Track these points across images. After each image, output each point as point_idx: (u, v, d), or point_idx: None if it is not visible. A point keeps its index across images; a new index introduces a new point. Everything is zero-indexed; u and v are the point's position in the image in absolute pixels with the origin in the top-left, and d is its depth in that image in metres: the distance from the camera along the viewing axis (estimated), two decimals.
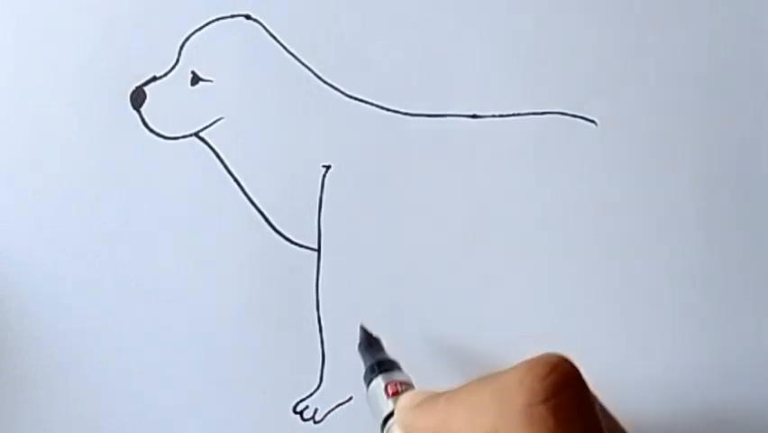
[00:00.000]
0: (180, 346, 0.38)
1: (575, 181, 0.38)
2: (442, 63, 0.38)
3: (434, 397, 0.29)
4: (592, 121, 0.38)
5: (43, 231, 0.37)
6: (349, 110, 0.38)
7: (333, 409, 0.38)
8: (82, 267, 0.37)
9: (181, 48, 0.37)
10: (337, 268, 0.38)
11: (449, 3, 0.38)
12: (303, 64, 0.38)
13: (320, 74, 0.38)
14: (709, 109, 0.38)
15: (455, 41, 0.38)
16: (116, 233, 0.38)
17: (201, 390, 0.38)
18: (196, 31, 0.38)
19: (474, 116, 0.38)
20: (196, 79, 0.38)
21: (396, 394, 0.33)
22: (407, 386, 0.33)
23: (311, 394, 0.38)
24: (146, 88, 0.37)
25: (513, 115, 0.38)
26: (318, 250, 0.38)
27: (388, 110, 0.38)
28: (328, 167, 0.38)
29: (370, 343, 0.36)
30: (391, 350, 0.36)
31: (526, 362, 0.25)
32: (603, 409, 0.30)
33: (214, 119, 0.38)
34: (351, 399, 0.38)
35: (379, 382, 0.34)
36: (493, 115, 0.38)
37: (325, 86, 0.38)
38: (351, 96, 0.38)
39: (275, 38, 0.38)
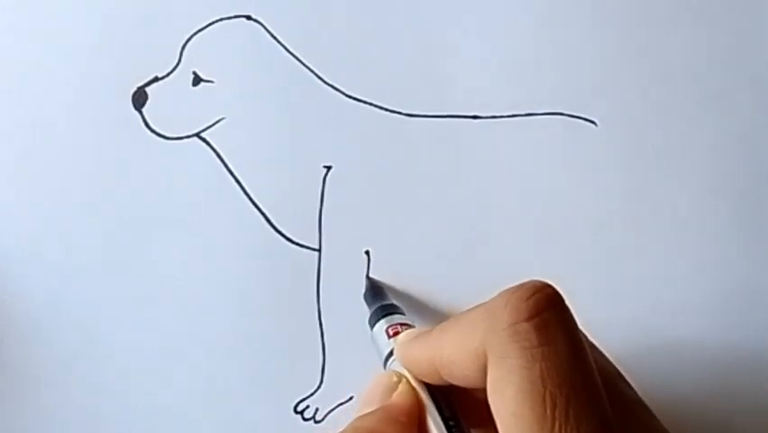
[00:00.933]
0: (180, 346, 0.38)
1: (575, 181, 0.38)
2: (442, 63, 0.38)
3: (428, 330, 0.31)
4: (592, 121, 0.38)
5: (44, 231, 0.38)
6: (349, 110, 0.38)
7: (333, 409, 0.38)
8: (83, 267, 0.38)
9: (183, 48, 0.38)
10: (338, 268, 0.38)
11: (449, 3, 0.38)
12: (304, 65, 0.38)
13: (321, 74, 0.38)
14: (709, 109, 0.38)
15: (455, 41, 0.38)
16: (117, 233, 0.38)
17: (201, 390, 0.38)
18: (198, 31, 0.38)
19: (474, 117, 0.38)
20: (197, 80, 0.38)
21: (396, 335, 0.34)
22: (408, 327, 0.34)
23: (312, 394, 0.38)
24: (148, 89, 0.38)
25: (513, 115, 0.38)
26: (319, 250, 0.38)
27: (388, 110, 0.38)
28: (329, 167, 0.38)
29: (374, 291, 0.37)
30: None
31: (511, 287, 0.27)
32: (590, 343, 0.31)
33: (216, 120, 0.38)
34: (351, 398, 0.38)
35: (381, 324, 0.35)
36: (493, 116, 0.38)
37: (326, 86, 0.38)
38: (351, 97, 0.38)
39: (276, 38, 0.38)
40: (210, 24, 0.38)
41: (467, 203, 0.38)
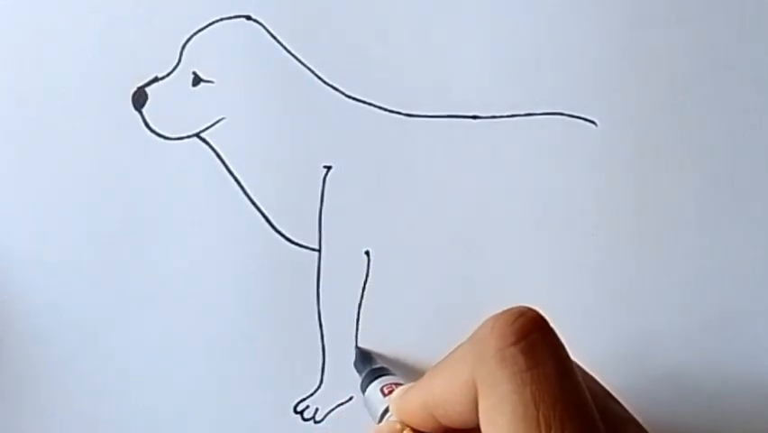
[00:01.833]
0: (181, 346, 0.38)
1: (575, 182, 0.38)
2: (442, 63, 0.38)
3: (419, 379, 0.31)
4: (592, 121, 0.38)
5: (44, 231, 0.38)
6: (349, 111, 0.38)
7: (333, 409, 0.38)
8: (83, 267, 0.38)
9: (183, 49, 0.38)
10: (338, 268, 0.38)
11: (449, 3, 0.38)
12: (304, 65, 0.38)
13: (321, 75, 0.38)
14: (709, 109, 0.38)
15: (455, 41, 0.38)
16: (117, 233, 0.38)
17: (201, 390, 0.38)
18: (198, 32, 0.38)
19: (474, 117, 0.38)
20: (197, 80, 0.38)
21: (391, 393, 0.34)
22: (401, 386, 0.34)
23: (312, 394, 0.38)
24: (148, 89, 0.38)
25: (513, 115, 0.38)
26: (319, 250, 0.38)
27: (388, 111, 0.38)
28: (329, 167, 0.38)
29: (363, 357, 0.37)
30: (391, 349, 0.36)
31: (495, 314, 0.27)
32: (576, 365, 0.31)
33: (216, 120, 0.38)
34: (351, 399, 0.38)
35: (375, 385, 0.35)
36: (493, 116, 0.38)
37: (326, 86, 0.38)
38: (351, 97, 0.38)
39: (276, 39, 0.38)
40: (210, 24, 0.38)
41: (467, 203, 0.38)
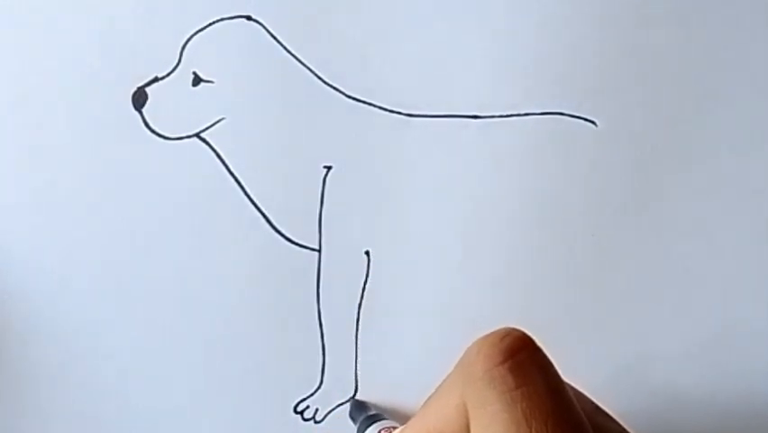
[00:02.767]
0: (181, 346, 0.38)
1: (575, 182, 0.38)
2: (442, 63, 0.38)
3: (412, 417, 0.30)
4: (592, 121, 0.38)
5: (45, 231, 0.38)
6: (350, 111, 0.38)
7: (333, 409, 0.38)
8: (83, 267, 0.38)
9: (183, 49, 0.38)
10: (338, 268, 0.38)
11: (449, 3, 0.38)
12: (304, 65, 0.38)
13: (321, 75, 0.38)
14: (709, 109, 0.38)
15: (455, 41, 0.38)
16: (117, 233, 0.38)
17: (201, 390, 0.38)
18: (198, 32, 0.38)
19: (475, 117, 0.38)
20: (197, 80, 0.38)
21: None
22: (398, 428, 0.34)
23: (312, 394, 0.38)
24: (148, 89, 0.38)
25: (513, 115, 0.38)
26: (319, 250, 0.38)
27: (388, 111, 0.38)
28: (329, 167, 0.38)
29: (358, 406, 0.38)
30: (390, 350, 0.36)
31: (481, 336, 0.27)
32: (567, 384, 0.31)
33: (216, 120, 0.38)
34: (351, 399, 0.38)
35: (373, 429, 0.36)
36: (493, 116, 0.38)
37: (326, 86, 0.38)
38: (351, 97, 0.38)
39: (276, 39, 0.38)
40: (210, 24, 0.38)
41: (467, 203, 0.38)
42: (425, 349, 0.38)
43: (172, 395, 0.38)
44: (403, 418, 0.37)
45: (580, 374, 0.30)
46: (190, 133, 0.38)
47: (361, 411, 0.38)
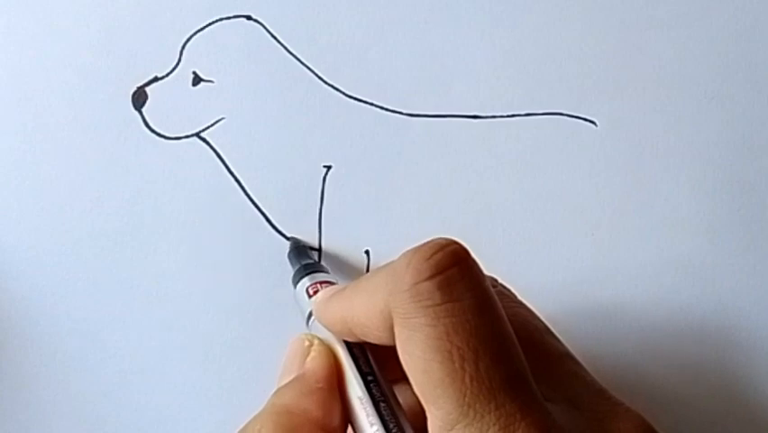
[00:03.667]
0: (180, 346, 0.38)
1: (575, 182, 0.38)
2: (442, 63, 0.38)
3: (343, 287, 0.30)
4: (592, 121, 0.38)
5: (44, 231, 0.38)
6: (350, 110, 0.38)
7: None
8: (83, 267, 0.38)
9: (183, 48, 0.38)
10: (338, 268, 0.38)
11: (449, 3, 0.38)
12: (304, 65, 0.38)
13: (321, 74, 0.38)
14: (709, 110, 0.38)
15: (455, 41, 0.38)
16: (117, 233, 0.38)
17: (201, 390, 0.38)
18: (198, 31, 0.38)
19: (475, 117, 0.38)
20: (197, 80, 0.38)
21: (316, 294, 0.34)
22: (329, 285, 0.34)
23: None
24: (147, 89, 0.38)
25: (513, 115, 0.38)
26: (319, 250, 0.38)
27: (388, 110, 0.38)
28: (329, 167, 0.38)
29: (297, 250, 0.37)
30: None
31: (413, 247, 0.26)
32: (518, 301, 0.32)
33: (216, 119, 0.38)
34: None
35: (303, 283, 0.35)
36: (493, 116, 0.38)
37: (326, 86, 0.38)
38: (351, 97, 0.38)
39: (276, 38, 0.38)
40: (210, 24, 0.38)
41: (467, 203, 0.38)
42: None
43: (172, 395, 0.38)
44: None
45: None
46: (190, 133, 0.38)
47: (299, 257, 0.36)
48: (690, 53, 0.38)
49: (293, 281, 0.36)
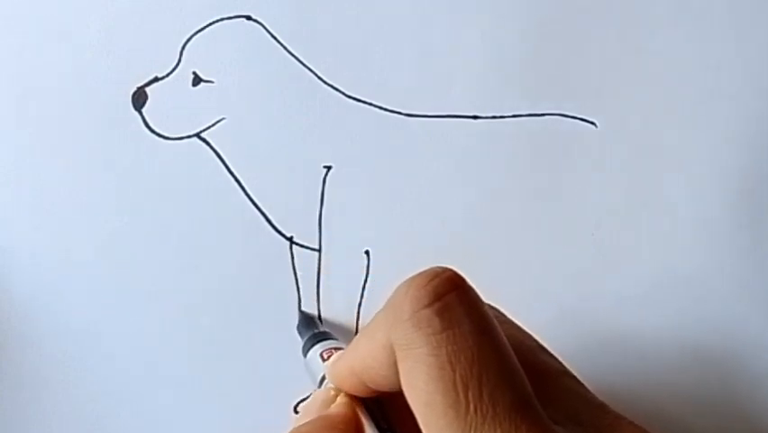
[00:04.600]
0: (180, 346, 0.38)
1: (575, 183, 0.38)
2: (442, 63, 0.38)
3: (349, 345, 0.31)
4: (592, 122, 0.38)
5: (44, 231, 0.38)
6: (349, 111, 0.38)
7: None
8: (83, 267, 0.38)
9: (182, 49, 0.38)
10: (338, 268, 0.38)
11: (449, 3, 0.38)
12: (304, 65, 0.38)
13: (321, 75, 0.38)
14: (709, 109, 0.38)
15: (455, 41, 0.38)
16: (117, 233, 0.38)
17: (201, 390, 0.38)
18: (198, 32, 0.38)
19: (474, 117, 0.38)
20: (197, 80, 0.38)
21: (330, 358, 0.34)
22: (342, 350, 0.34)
23: (311, 394, 0.38)
24: (147, 89, 0.38)
25: (513, 116, 0.38)
26: (319, 250, 0.38)
27: (388, 110, 0.38)
28: (329, 167, 0.38)
29: (306, 322, 0.37)
30: None
31: (410, 277, 0.26)
32: (506, 320, 0.31)
33: (216, 120, 0.38)
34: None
35: (315, 349, 0.35)
36: (493, 116, 0.38)
37: (326, 86, 0.38)
38: (351, 97, 0.38)
39: (276, 39, 0.38)
40: (210, 24, 0.38)
41: (467, 203, 0.38)
42: None
43: (172, 395, 0.38)
44: None
45: (582, 375, 0.30)
46: (190, 133, 0.38)
47: (308, 327, 0.37)
48: (690, 53, 0.38)
49: (303, 350, 0.36)
